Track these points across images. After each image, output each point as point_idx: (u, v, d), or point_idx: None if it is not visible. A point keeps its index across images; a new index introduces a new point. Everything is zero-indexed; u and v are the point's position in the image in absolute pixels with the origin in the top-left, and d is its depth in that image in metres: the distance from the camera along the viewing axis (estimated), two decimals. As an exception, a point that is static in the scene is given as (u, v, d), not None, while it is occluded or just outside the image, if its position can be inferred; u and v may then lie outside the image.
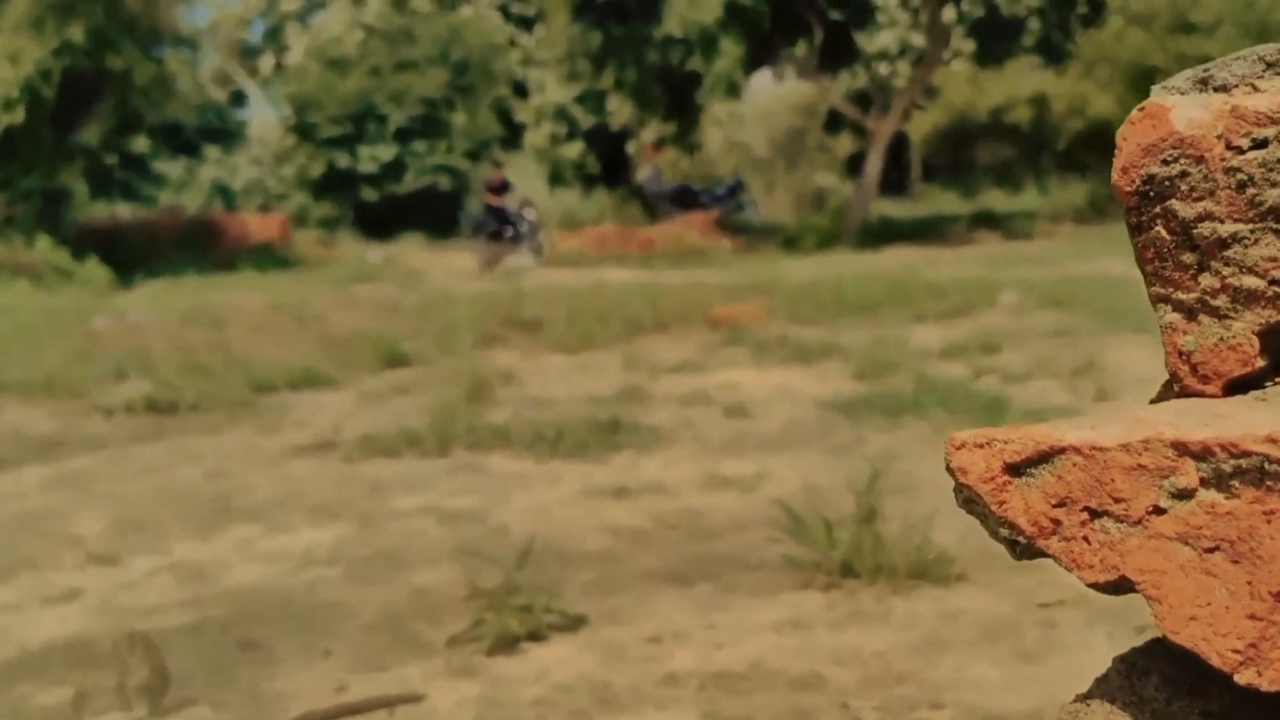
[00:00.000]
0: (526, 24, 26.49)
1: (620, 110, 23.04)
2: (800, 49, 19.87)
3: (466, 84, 23.25)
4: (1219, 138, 0.56)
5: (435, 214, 22.72)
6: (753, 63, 19.03)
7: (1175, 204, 0.58)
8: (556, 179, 23.15)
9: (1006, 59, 25.86)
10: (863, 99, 21.87)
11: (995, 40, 27.58)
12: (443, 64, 22.98)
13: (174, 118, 22.77)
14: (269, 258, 19.01)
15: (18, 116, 15.76)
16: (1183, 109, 0.57)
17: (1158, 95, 0.59)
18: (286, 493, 2.98)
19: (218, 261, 18.56)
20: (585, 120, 25.08)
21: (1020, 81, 21.04)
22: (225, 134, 24.02)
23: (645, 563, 2.33)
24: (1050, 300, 7.43)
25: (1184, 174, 0.57)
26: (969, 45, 27.29)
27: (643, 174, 24.08)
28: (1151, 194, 0.58)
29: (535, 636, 2.09)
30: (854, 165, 22.25)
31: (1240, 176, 0.56)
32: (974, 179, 21.98)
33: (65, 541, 2.60)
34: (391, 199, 23.27)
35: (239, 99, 28.60)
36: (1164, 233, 0.58)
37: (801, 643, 1.99)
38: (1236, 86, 0.58)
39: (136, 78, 16.03)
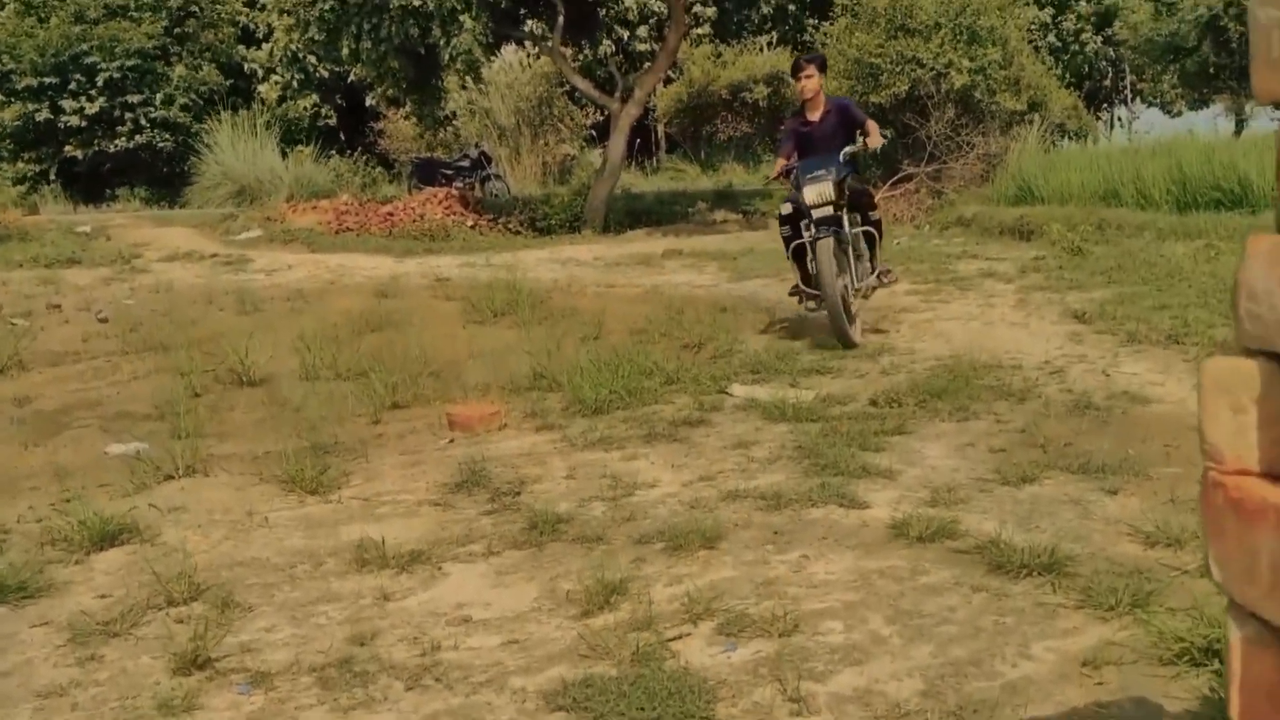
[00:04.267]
0: (253, -36, 24.07)
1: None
2: (543, 22, 19.23)
3: (186, 33, 21.08)
4: None
5: (154, 173, 20.70)
6: (495, 36, 18.24)
7: None
8: (289, 138, 21.52)
9: (745, 30, 26.10)
10: (608, 74, 21.44)
11: (734, 10, 27.74)
12: (158, 10, 20.68)
13: None
14: (-42, 230, 16.76)
15: None
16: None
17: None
18: None
19: (-107, 237, 16.17)
20: (320, 69, 23.24)
21: (758, 61, 21.37)
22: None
23: None
24: (772, 410, 7.40)
25: None
26: (710, 11, 27.33)
27: None
28: None
29: None
30: (600, 132, 21.98)
31: None
32: (714, 152, 22.30)
33: None
34: (103, 156, 20.97)
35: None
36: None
37: None
38: None
39: None
